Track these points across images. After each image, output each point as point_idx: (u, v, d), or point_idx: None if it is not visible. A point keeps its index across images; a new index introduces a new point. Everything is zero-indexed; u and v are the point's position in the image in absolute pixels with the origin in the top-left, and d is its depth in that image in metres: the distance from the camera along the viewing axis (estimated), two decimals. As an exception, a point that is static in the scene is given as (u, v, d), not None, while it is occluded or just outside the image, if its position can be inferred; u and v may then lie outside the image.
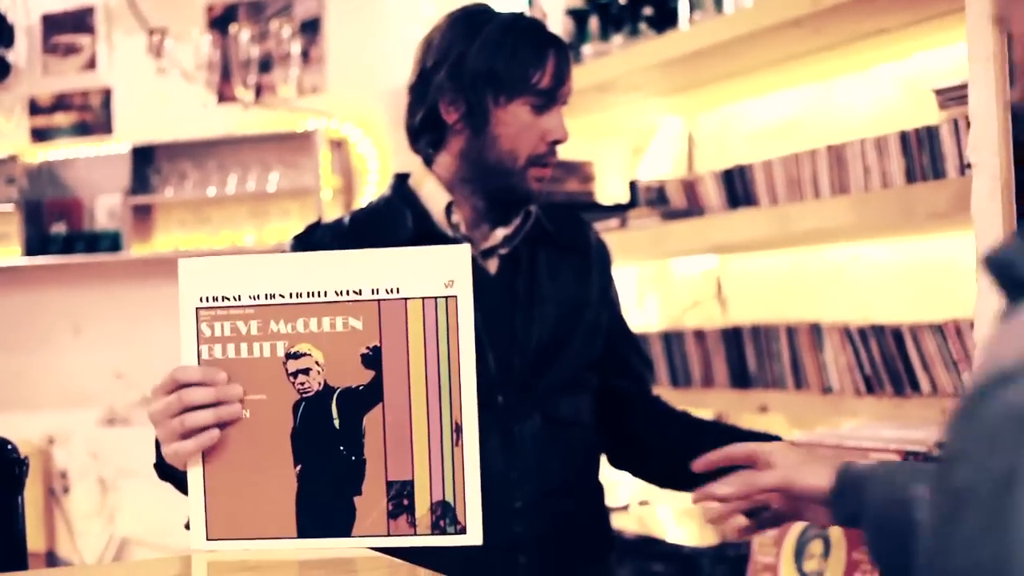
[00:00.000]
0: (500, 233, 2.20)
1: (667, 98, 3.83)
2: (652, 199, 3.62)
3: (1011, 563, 0.62)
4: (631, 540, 3.14)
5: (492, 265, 2.20)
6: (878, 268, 3.31)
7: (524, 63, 2.11)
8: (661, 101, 3.87)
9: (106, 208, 5.99)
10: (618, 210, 3.66)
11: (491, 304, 2.12)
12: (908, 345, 2.79)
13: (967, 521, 0.66)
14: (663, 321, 4.15)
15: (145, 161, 5.82)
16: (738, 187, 3.29)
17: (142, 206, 5.84)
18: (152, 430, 1.63)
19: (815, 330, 3.05)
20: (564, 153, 3.86)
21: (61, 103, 6.13)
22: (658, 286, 4.24)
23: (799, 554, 2.54)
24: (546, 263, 2.23)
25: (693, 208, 3.40)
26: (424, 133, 2.21)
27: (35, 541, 5.91)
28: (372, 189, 5.33)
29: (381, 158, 5.38)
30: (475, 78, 2.11)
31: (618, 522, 3.23)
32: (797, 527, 2.55)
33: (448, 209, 2.18)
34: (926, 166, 2.67)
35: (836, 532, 2.44)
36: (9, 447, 2.15)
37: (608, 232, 3.41)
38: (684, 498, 3.91)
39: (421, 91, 2.18)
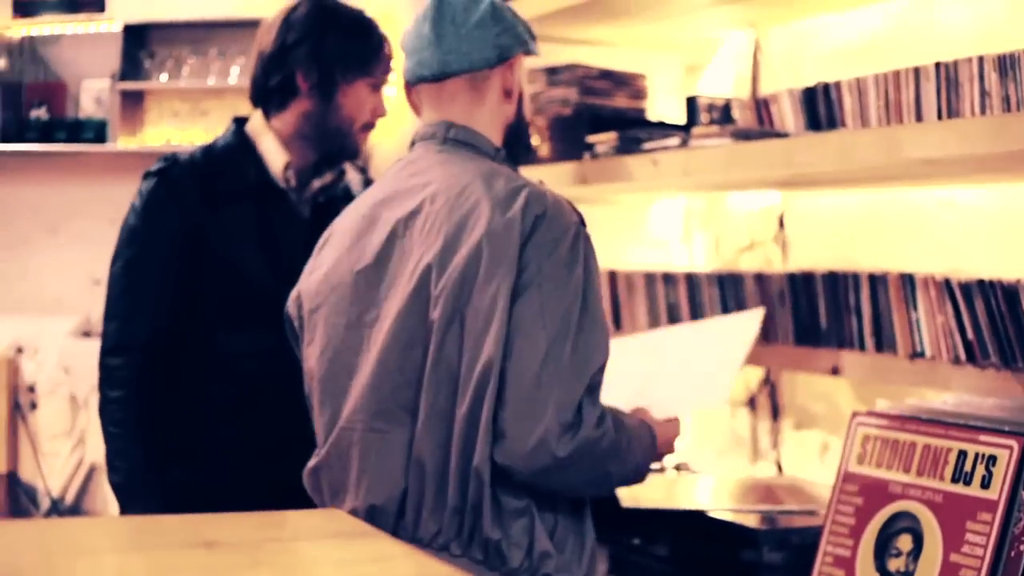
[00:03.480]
0: (316, 184, 2.94)
1: (732, 6, 3.52)
2: (716, 119, 3.34)
3: None
4: (667, 512, 2.88)
5: (307, 211, 2.93)
6: (977, 214, 3.02)
7: (368, 52, 2.90)
8: (725, 11, 3.57)
9: (92, 93, 5.78)
10: (677, 128, 3.37)
11: (303, 244, 2.68)
12: None
13: None
14: (714, 262, 3.88)
15: (138, 43, 5.62)
16: (820, 109, 3.02)
17: (132, 93, 5.64)
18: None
19: (907, 282, 2.76)
20: (614, 63, 3.59)
21: (49, -27, 5.88)
22: (709, 222, 3.97)
23: (881, 549, 2.27)
24: None
25: (766, 131, 3.12)
26: (274, 94, 2.88)
27: (-5, 460, 5.74)
28: (392, 91, 5.04)
29: (396, 50, 5.10)
30: (330, 57, 2.84)
31: (651, 492, 2.99)
32: (881, 515, 2.29)
33: (285, 167, 2.89)
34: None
35: (932, 527, 2.17)
36: None
37: (666, 153, 3.13)
38: (735, 465, 3.72)
39: (279, 60, 2.85)
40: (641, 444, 2.24)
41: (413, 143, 2.47)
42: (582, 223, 2.23)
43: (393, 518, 2.21)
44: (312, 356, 2.39)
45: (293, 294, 2.49)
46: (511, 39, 2.43)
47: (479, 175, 2.25)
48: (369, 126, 2.95)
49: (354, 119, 2.89)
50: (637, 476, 2.28)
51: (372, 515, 2.21)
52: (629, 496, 2.86)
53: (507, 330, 2.09)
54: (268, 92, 2.89)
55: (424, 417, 2.17)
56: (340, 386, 2.31)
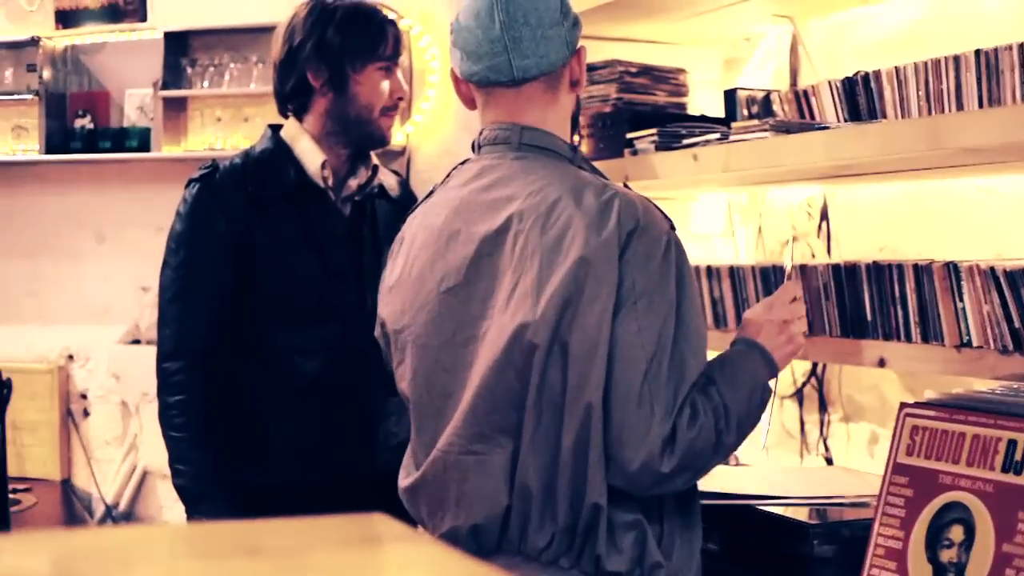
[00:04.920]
0: (353, 183, 3.05)
1: (771, 1, 3.51)
2: (756, 112, 3.34)
3: None
4: (717, 506, 2.87)
5: (347, 209, 3.05)
6: (1020, 201, 3.00)
7: (371, 37, 2.96)
8: (763, 4, 3.56)
9: (136, 102, 5.79)
10: (717, 123, 3.36)
11: (347, 242, 3.00)
12: (1071, 295, 2.49)
13: None
14: (756, 255, 3.88)
15: (179, 50, 5.61)
16: (861, 100, 3.01)
17: (175, 100, 5.62)
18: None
19: (951, 271, 2.75)
20: (652, 59, 3.58)
21: (90, -17, 5.88)
22: (750, 216, 3.96)
23: (933, 540, 2.27)
24: (385, 214, 3.08)
25: (807, 123, 3.11)
26: (293, 98, 3.02)
27: (50, 468, 5.76)
28: (432, 92, 5.05)
29: (443, 57, 5.09)
30: (335, 50, 2.93)
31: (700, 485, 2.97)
32: (932, 507, 2.29)
33: (322, 166, 2.99)
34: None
35: (983, 517, 2.17)
36: None
37: (707, 148, 3.13)
38: (784, 458, 3.70)
39: (289, 65, 2.98)
40: (746, 381, 2.23)
41: (477, 147, 2.41)
42: (672, 228, 2.22)
43: (496, 535, 2.22)
44: (404, 378, 2.38)
45: (379, 317, 2.47)
46: (576, 28, 2.38)
47: (566, 189, 2.21)
48: (390, 109, 3.03)
49: (373, 105, 2.98)
50: (759, 413, 2.26)
51: (475, 533, 2.23)
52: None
53: (610, 352, 2.10)
54: (288, 97, 3.03)
55: (528, 440, 2.16)
56: (436, 408, 2.30)
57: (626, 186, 2.32)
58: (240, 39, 5.51)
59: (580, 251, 2.11)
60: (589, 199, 2.17)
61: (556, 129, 2.36)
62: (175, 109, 5.62)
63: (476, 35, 2.32)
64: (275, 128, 3.09)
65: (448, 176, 2.46)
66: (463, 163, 2.43)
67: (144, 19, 5.70)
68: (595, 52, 3.71)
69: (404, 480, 2.40)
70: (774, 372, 2.31)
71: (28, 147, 5.89)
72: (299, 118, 3.04)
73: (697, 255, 3.92)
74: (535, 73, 2.30)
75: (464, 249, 2.26)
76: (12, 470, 4.24)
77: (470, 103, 2.43)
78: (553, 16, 2.30)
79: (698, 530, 2.32)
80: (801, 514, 2.73)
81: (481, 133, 2.40)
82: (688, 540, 2.28)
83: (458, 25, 2.38)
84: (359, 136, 3.01)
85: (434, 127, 5.01)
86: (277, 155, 3.01)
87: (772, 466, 3.57)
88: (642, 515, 2.18)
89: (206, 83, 5.52)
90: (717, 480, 2.81)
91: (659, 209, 2.23)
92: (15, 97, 5.88)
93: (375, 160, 3.11)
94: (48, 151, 5.78)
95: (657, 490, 2.16)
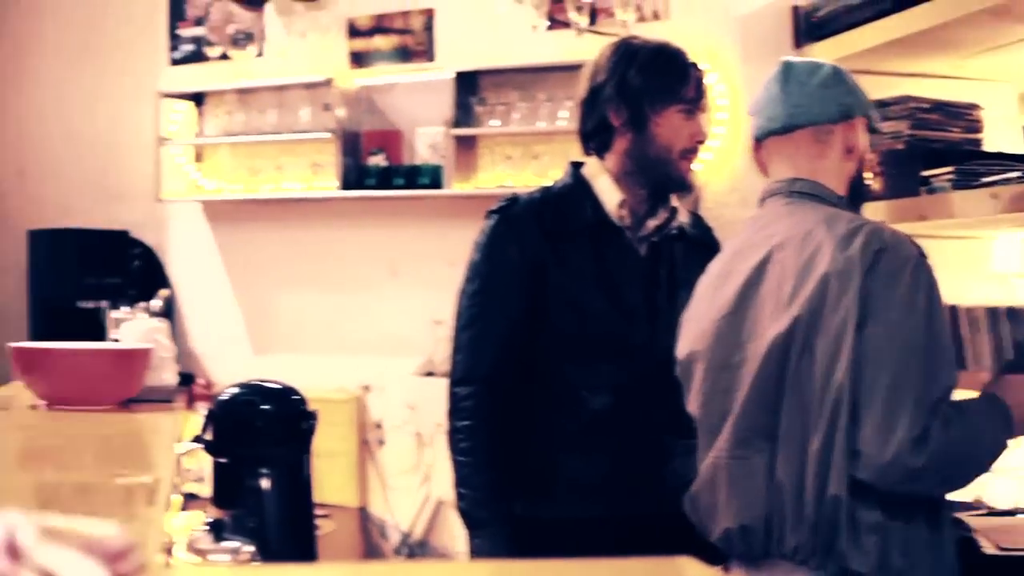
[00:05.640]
0: (651, 224, 3.03)
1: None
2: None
3: None
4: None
5: (643, 249, 3.03)
6: None
7: (673, 79, 2.96)
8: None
9: (427, 140, 5.95)
10: (1018, 160, 3.27)
11: (641, 280, 3.00)
12: None
13: None
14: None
15: (468, 89, 5.73)
16: None
17: (465, 138, 5.75)
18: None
19: None
20: (943, 95, 3.50)
21: (380, 25, 6.09)
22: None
23: None
24: (682, 254, 3.06)
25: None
26: (594, 136, 3.02)
27: (348, 495, 5.95)
28: (720, 130, 5.02)
29: (731, 95, 5.07)
30: (636, 91, 2.94)
31: (1013, 536, 2.89)
32: None
33: (620, 204, 2.99)
34: None
35: None
36: (296, 398, 2.22)
37: (1008, 187, 3.10)
38: None
39: (592, 103, 3.00)
40: (993, 427, 2.36)
41: (763, 200, 2.65)
42: (922, 255, 2.37)
43: (762, 536, 2.41)
44: (693, 402, 2.63)
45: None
46: (852, 100, 2.62)
47: (821, 220, 2.43)
48: (689, 152, 3.00)
49: (672, 147, 2.96)
50: (993, 459, 2.38)
51: (744, 534, 2.45)
52: (988, 542, 2.79)
53: (856, 356, 2.27)
54: (589, 135, 3.04)
55: (783, 441, 2.37)
56: (715, 425, 2.53)
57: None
58: (528, 78, 5.61)
59: (826, 267, 2.33)
60: (840, 225, 2.40)
61: (827, 182, 2.59)
62: (465, 147, 5.76)
63: (760, 97, 2.69)
64: (576, 165, 3.10)
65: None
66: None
67: (431, 59, 5.86)
68: (886, 88, 3.66)
69: (688, 492, 2.64)
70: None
71: (325, 183, 6.13)
72: (600, 156, 3.04)
73: (995, 295, 3.80)
74: (801, 121, 2.59)
75: (735, 281, 2.55)
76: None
77: (763, 168, 2.70)
78: (825, 79, 2.61)
79: (948, 547, 2.41)
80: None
81: (764, 189, 2.68)
82: (937, 551, 2.37)
83: (754, 98, 2.71)
84: (658, 177, 3.00)
85: (722, 164, 4.99)
86: (576, 191, 3.03)
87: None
88: (886, 518, 2.31)
89: (495, 121, 5.63)
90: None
91: (911, 240, 2.40)
92: (312, 135, 6.14)
93: (675, 202, 3.10)
94: (344, 187, 6.01)
95: (906, 487, 2.29)
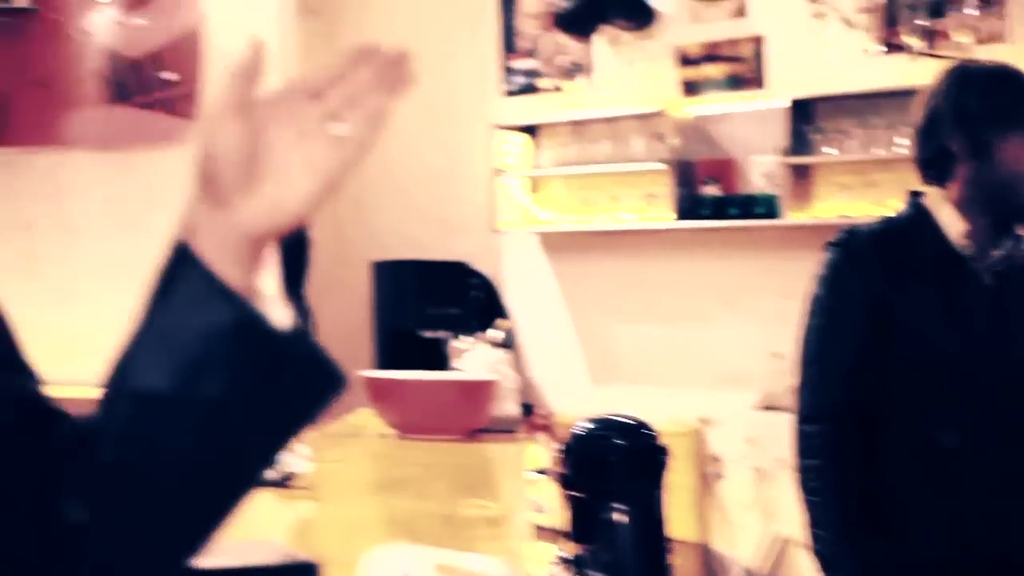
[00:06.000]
0: (997, 253, 2.87)
1: None
2: None
3: None
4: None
5: (988, 278, 2.87)
6: None
7: (1012, 104, 2.80)
8: None
9: (761, 169, 5.89)
10: None
11: (988, 312, 2.86)
12: None
13: None
14: None
15: (802, 117, 5.67)
16: None
17: (800, 167, 5.69)
18: None
19: None
20: None
21: (711, 54, 6.07)
22: None
23: None
24: None
25: None
26: (933, 165, 2.88)
27: (688, 530, 5.90)
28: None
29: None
30: (975, 117, 2.80)
31: None
32: None
33: (964, 235, 2.86)
34: None
35: None
36: (649, 432, 2.29)
37: None
38: None
39: (929, 131, 2.87)
40: None
41: None
42: None
43: None
44: None
45: None
46: None
47: None
48: None
49: (1019, 174, 2.82)
50: None
51: None
52: None
53: None
54: (928, 164, 2.91)
55: None
56: None
57: None
58: (862, 104, 5.52)
59: None
60: None
61: None
62: (800, 176, 5.70)
63: None
64: (916, 194, 2.98)
65: None
66: None
67: (761, 86, 5.82)
68: None
69: None
70: None
71: (660, 214, 6.15)
72: (940, 185, 2.91)
73: None
74: None
75: None
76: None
77: None
78: None
79: None
80: None
81: None
82: None
83: None
84: (1005, 206, 2.86)
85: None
86: (917, 222, 2.91)
87: None
88: None
89: (830, 149, 5.55)
90: None
91: None
92: (646, 166, 6.17)
93: (1022, 230, 2.95)
94: (679, 217, 6.02)
95: None
